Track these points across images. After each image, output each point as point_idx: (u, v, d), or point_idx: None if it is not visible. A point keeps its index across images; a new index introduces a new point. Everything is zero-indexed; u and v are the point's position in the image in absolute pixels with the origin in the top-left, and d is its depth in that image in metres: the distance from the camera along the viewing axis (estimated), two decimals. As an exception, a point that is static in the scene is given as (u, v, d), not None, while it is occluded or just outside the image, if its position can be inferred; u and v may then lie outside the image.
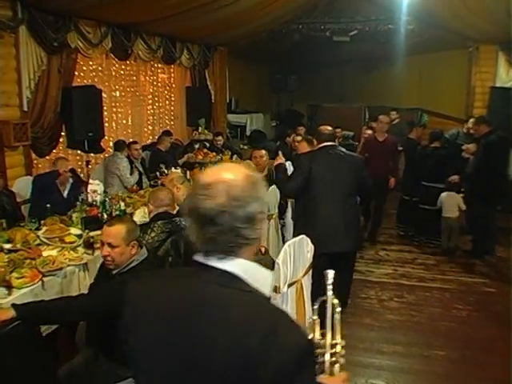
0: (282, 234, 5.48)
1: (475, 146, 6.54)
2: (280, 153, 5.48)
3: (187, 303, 1.22)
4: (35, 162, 5.87)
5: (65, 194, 5.16)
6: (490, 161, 5.97)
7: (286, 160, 6.59)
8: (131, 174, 6.45)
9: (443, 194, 6.43)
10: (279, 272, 2.96)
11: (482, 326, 4.57)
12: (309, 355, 1.18)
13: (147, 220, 4.16)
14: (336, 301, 1.61)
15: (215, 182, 1.22)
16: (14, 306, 2.52)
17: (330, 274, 1.70)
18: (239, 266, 1.23)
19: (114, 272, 2.84)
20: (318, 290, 3.91)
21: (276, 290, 2.99)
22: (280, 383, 1.08)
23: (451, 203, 6.38)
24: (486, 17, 7.42)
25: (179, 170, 4.69)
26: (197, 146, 8.53)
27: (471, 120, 7.80)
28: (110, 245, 2.76)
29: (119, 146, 6.61)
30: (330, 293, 1.64)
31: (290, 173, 6.31)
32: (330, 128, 4.31)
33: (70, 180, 5.27)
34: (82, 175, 6.61)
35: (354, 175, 4.14)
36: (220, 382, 1.13)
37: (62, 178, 5.07)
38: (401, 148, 9.07)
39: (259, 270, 1.28)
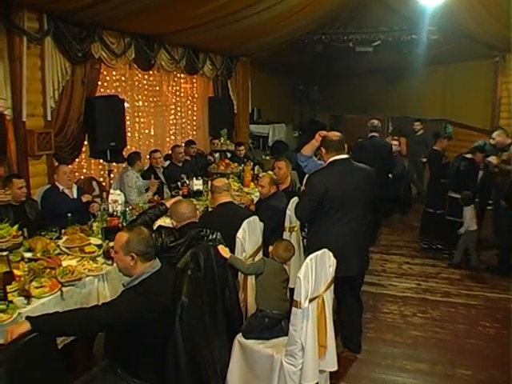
0: (304, 246, 5.40)
1: (497, 159, 6.43)
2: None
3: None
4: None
5: (74, 197, 5.23)
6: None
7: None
8: (146, 190, 6.24)
9: (467, 207, 6.27)
10: (300, 287, 2.89)
11: (510, 344, 4.37)
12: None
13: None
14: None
15: None
16: (28, 318, 2.50)
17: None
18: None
19: (126, 284, 2.82)
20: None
21: (297, 305, 2.92)
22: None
23: (472, 215, 6.24)
24: (512, 26, 7.29)
25: (223, 179, 4.68)
26: (217, 156, 8.51)
27: (496, 132, 7.65)
28: (114, 248, 2.87)
29: (131, 159, 6.45)
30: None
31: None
32: (338, 134, 3.97)
33: (75, 185, 5.37)
34: (104, 184, 6.65)
35: (369, 190, 3.93)
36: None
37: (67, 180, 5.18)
38: (425, 159, 8.96)
39: None
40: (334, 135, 3.95)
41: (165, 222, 4.59)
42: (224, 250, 3.48)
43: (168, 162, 7.47)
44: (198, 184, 6.17)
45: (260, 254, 4.11)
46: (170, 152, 7.79)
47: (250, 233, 3.94)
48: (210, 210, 5.25)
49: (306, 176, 4.27)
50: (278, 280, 3.47)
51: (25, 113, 5.13)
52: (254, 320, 3.40)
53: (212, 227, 3.74)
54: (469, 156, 6.59)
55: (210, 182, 6.03)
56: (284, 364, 3.06)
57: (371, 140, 7.32)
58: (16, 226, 3.81)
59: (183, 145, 8.25)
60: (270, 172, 5.72)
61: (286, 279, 3.55)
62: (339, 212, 3.75)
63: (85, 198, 5.19)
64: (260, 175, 6.86)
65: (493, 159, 6.56)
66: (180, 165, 7.31)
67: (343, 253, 3.59)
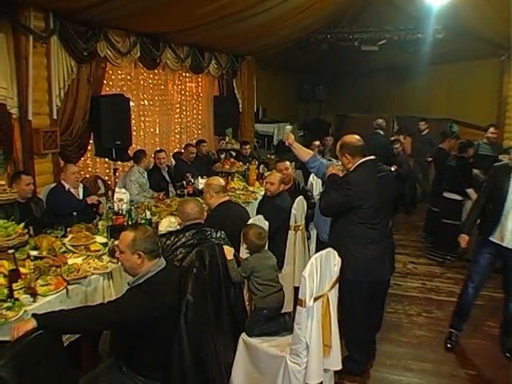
0: (309, 246, 5.40)
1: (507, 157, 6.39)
2: (332, 163, 4.24)
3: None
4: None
5: (80, 196, 5.27)
6: None
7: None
8: (152, 187, 6.47)
9: None
10: (305, 285, 2.89)
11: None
12: None
13: (173, 229, 4.20)
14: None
15: None
16: (34, 315, 2.52)
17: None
18: None
19: (131, 282, 2.83)
20: (352, 317, 3.73)
21: (302, 303, 2.92)
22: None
23: None
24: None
25: (221, 179, 4.60)
26: (223, 156, 8.53)
27: (491, 129, 7.61)
28: (119, 249, 2.85)
29: (137, 156, 6.57)
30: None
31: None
32: (358, 137, 3.74)
33: (81, 184, 5.41)
34: (109, 183, 6.67)
35: (392, 194, 3.88)
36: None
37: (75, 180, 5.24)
38: (430, 159, 8.95)
39: None
40: (356, 139, 3.73)
41: (170, 221, 4.60)
42: (229, 251, 3.49)
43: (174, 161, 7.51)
44: (203, 183, 6.17)
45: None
46: (183, 150, 7.84)
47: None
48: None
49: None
50: (267, 265, 3.52)
51: (31, 111, 5.15)
52: (254, 315, 3.46)
53: (218, 227, 3.74)
54: (459, 154, 6.58)
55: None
56: (288, 363, 3.06)
57: (374, 137, 7.86)
58: (22, 224, 3.82)
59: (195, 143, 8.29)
60: (274, 171, 5.71)
61: (273, 263, 3.61)
62: (374, 215, 3.62)
63: (90, 200, 5.22)
64: (265, 174, 6.86)
65: (504, 157, 6.51)
66: (189, 163, 7.36)
67: (379, 256, 3.65)
